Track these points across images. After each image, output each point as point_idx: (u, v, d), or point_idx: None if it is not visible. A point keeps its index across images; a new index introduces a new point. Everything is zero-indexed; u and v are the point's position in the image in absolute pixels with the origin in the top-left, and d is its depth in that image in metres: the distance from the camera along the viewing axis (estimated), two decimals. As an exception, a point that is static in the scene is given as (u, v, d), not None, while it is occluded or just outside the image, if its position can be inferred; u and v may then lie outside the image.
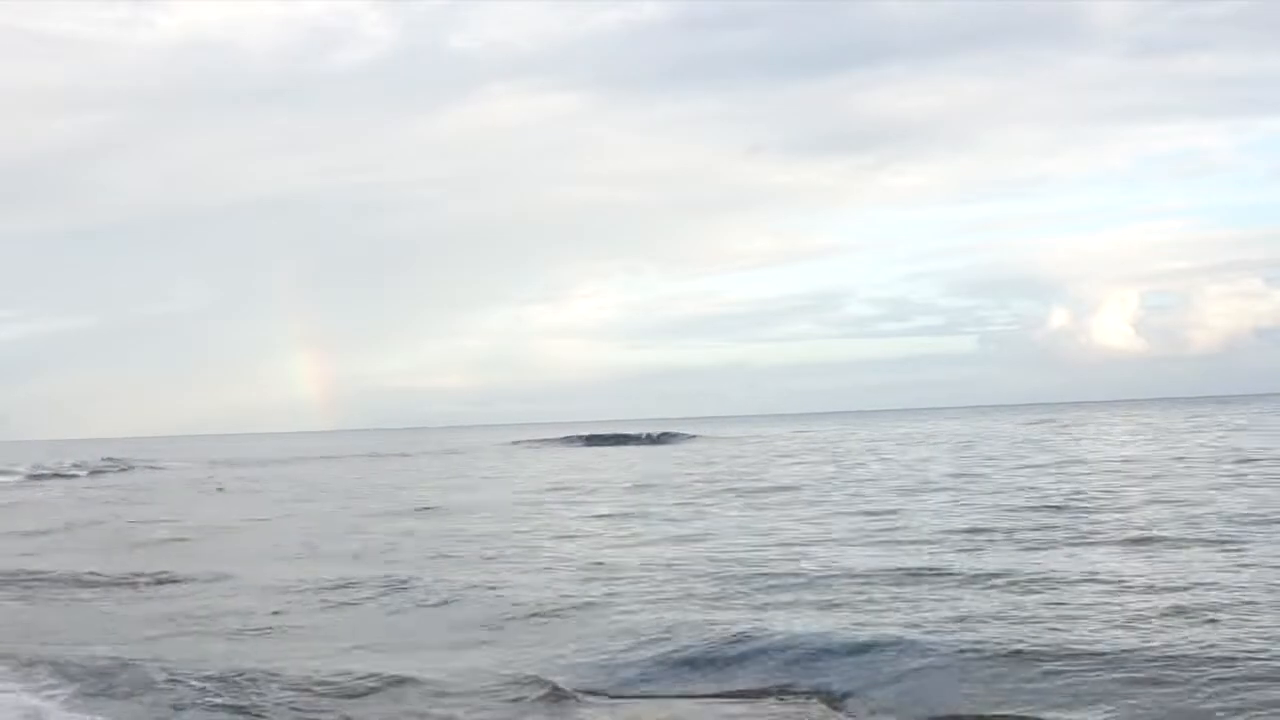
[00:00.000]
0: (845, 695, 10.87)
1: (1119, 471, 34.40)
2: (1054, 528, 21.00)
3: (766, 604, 14.92)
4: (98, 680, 12.39)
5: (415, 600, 16.70)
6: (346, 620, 15.65)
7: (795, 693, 11.13)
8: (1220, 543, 18.03)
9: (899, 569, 16.85)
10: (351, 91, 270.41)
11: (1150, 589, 14.49)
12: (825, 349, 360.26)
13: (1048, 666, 10.96)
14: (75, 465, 71.14)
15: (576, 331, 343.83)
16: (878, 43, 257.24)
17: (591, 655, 12.69)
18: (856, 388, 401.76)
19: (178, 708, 11.36)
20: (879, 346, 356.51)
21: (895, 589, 15.36)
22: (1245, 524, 20.10)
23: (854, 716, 10.45)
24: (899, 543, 20.26)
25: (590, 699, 11.18)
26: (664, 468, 50.76)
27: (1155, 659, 10.97)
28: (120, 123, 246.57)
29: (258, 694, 11.64)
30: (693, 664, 12.18)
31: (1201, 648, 11.25)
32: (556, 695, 11.14)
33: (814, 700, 10.88)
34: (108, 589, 19.16)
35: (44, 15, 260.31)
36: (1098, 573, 15.80)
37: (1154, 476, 31.35)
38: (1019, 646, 11.64)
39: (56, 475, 64.19)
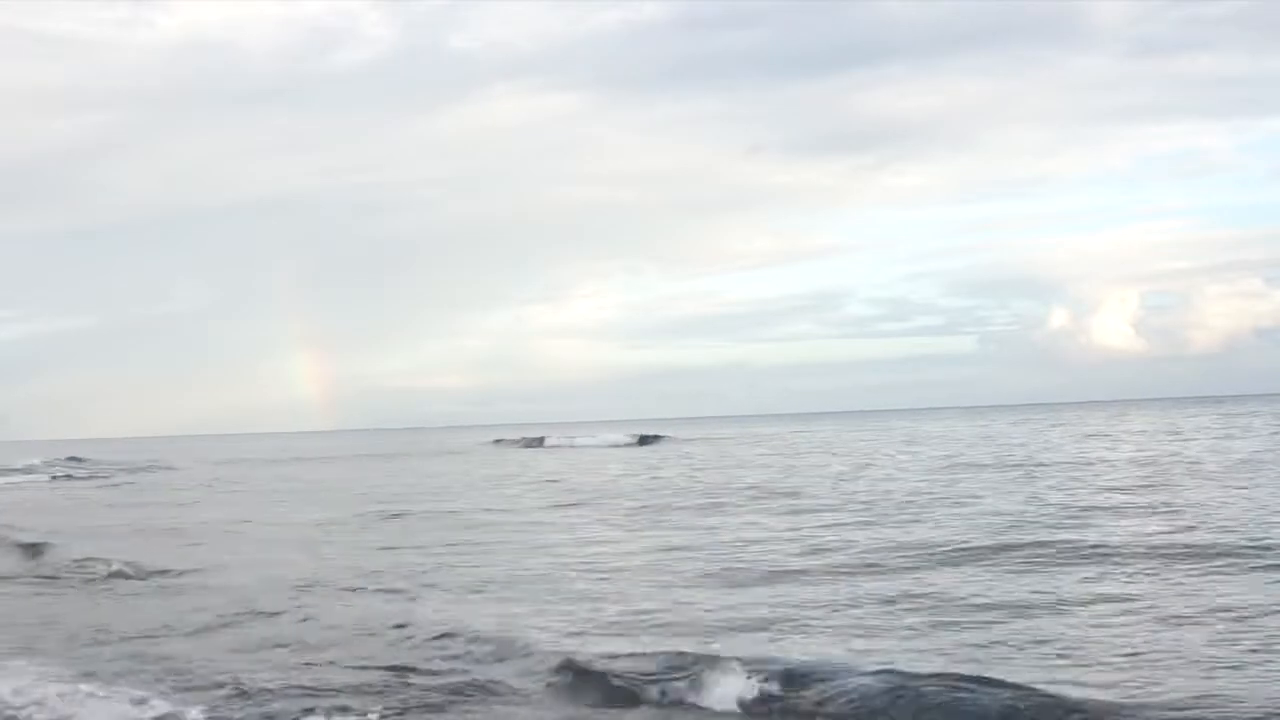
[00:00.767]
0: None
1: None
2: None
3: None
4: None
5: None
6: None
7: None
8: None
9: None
10: (351, 91, 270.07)
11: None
12: (825, 349, 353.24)
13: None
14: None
15: (576, 331, 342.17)
16: (878, 43, 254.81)
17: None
18: (856, 388, 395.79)
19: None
20: (879, 346, 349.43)
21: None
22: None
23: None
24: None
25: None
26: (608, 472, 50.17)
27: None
28: (120, 123, 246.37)
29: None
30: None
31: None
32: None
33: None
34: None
35: (44, 15, 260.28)
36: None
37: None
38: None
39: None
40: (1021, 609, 14.13)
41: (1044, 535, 20.21)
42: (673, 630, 13.62)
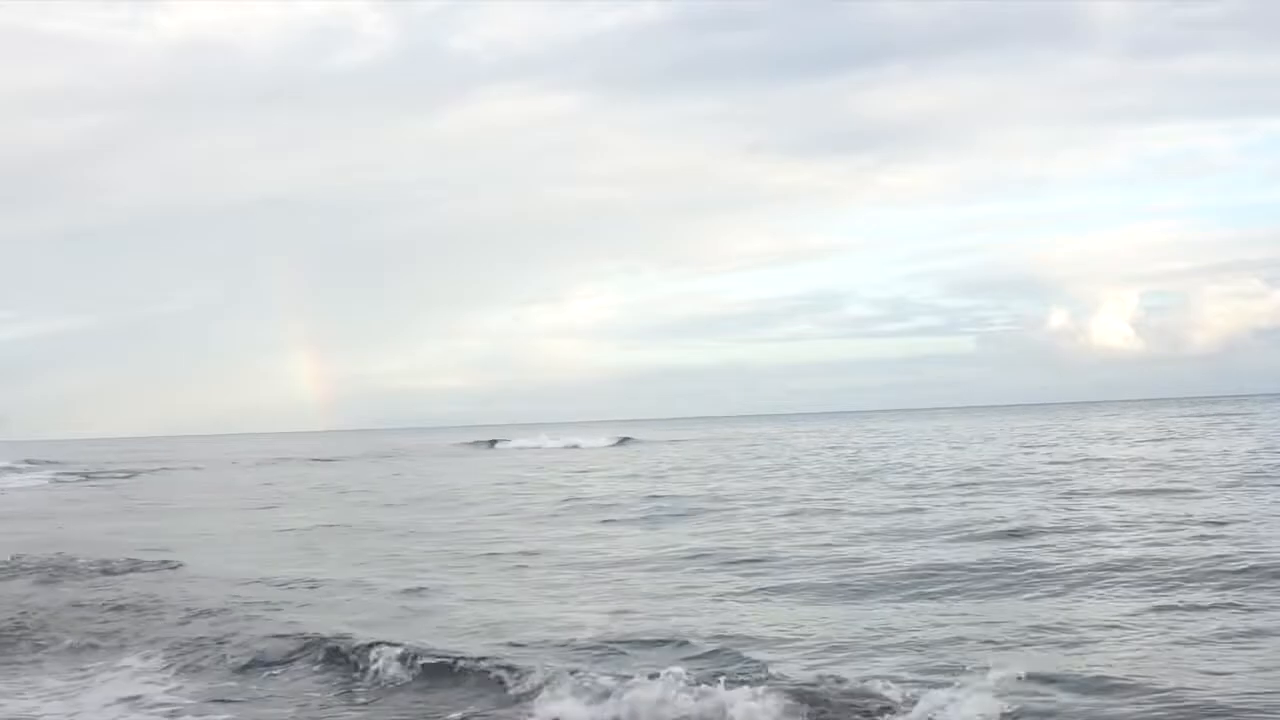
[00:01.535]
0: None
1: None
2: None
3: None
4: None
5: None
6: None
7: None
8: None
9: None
10: (351, 91, 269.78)
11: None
12: (825, 349, 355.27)
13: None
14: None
15: (576, 332, 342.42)
16: (878, 43, 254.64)
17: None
18: (856, 388, 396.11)
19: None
20: (879, 346, 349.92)
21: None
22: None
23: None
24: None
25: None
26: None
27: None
28: (120, 123, 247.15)
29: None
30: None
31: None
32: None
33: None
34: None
35: (44, 15, 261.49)
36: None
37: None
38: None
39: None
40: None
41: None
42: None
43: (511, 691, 10.92)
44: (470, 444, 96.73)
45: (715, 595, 15.73)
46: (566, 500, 32.91)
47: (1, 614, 15.76)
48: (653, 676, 10.43)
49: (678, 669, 10.59)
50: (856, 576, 16.60)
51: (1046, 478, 32.51)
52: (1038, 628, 12.73)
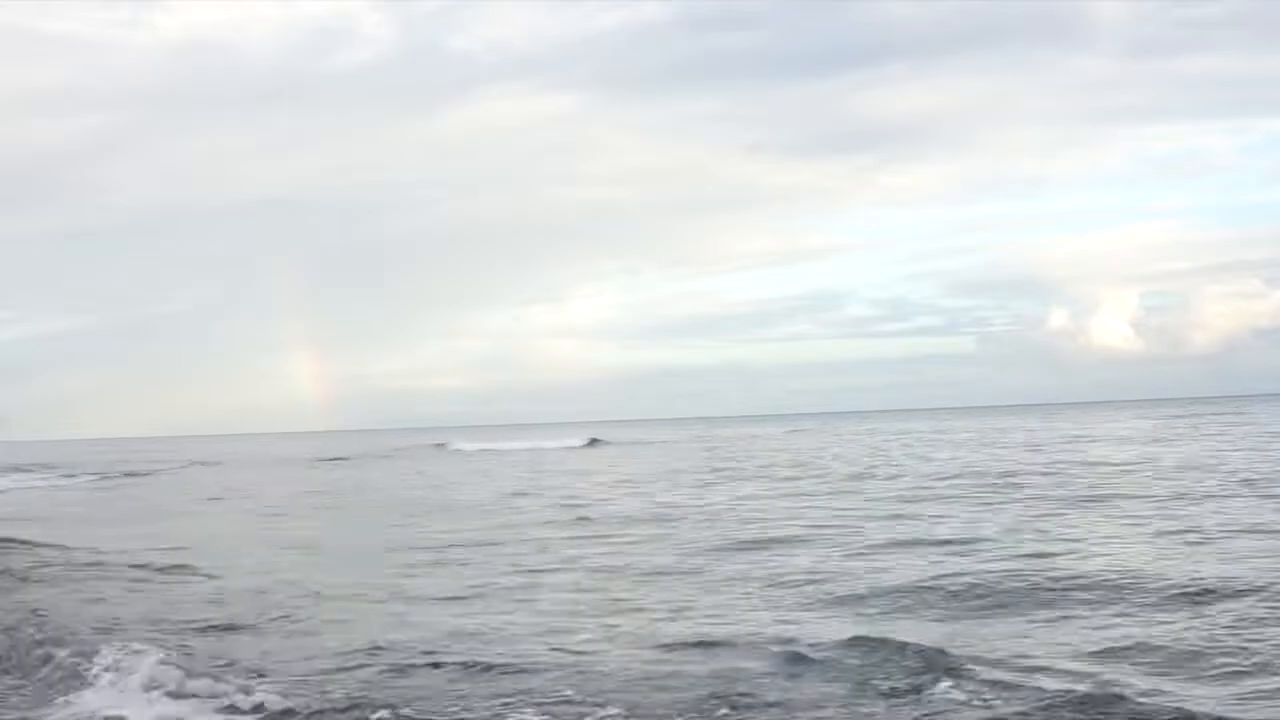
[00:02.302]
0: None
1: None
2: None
3: None
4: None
5: None
6: None
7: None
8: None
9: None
10: (351, 91, 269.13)
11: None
12: (825, 349, 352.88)
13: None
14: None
15: (576, 332, 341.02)
16: (877, 43, 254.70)
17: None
18: (856, 388, 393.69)
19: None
20: (879, 346, 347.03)
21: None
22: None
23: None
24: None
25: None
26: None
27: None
28: (120, 123, 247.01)
29: None
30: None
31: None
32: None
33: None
34: None
35: (44, 15, 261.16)
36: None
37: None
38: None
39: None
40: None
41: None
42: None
43: None
44: (433, 446, 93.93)
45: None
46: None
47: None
48: None
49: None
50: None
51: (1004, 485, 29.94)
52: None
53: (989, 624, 12.43)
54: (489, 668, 10.77)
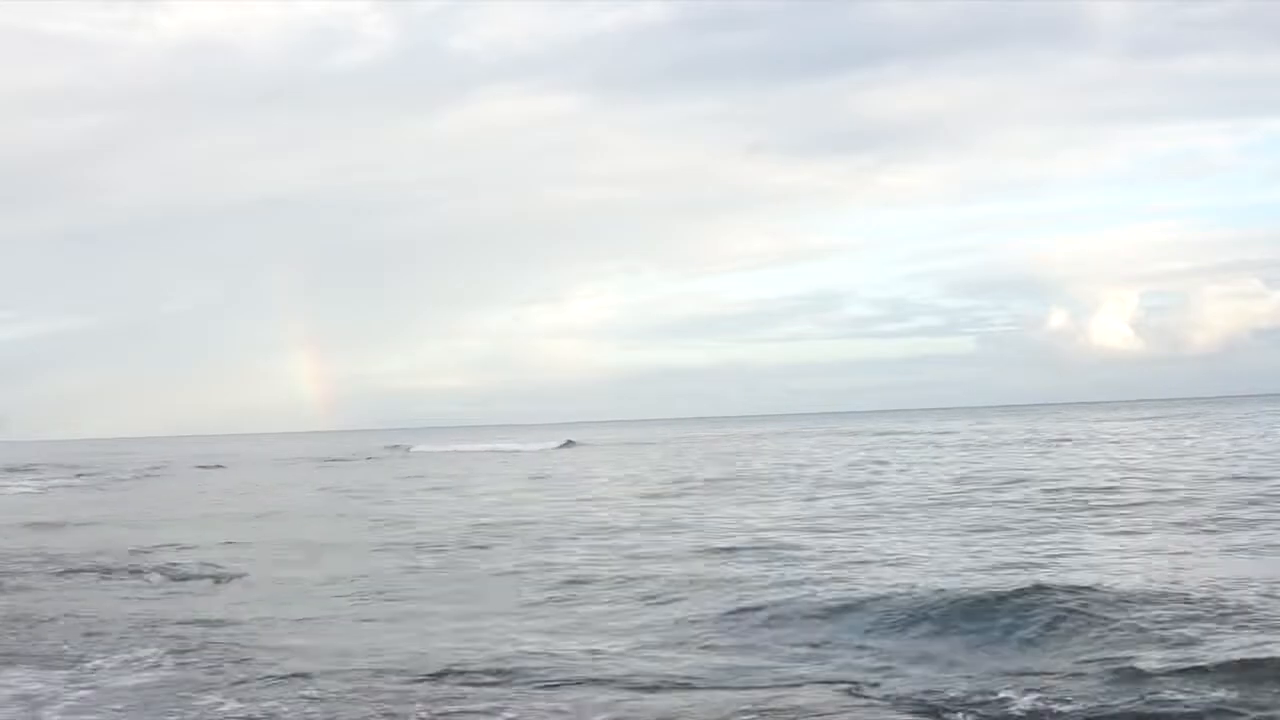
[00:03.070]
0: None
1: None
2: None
3: None
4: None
5: None
6: None
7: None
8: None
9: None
10: (351, 91, 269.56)
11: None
12: (825, 349, 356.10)
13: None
14: None
15: (576, 332, 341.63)
16: (877, 43, 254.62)
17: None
18: (856, 388, 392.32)
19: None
20: (878, 347, 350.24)
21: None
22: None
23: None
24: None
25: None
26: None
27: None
28: (120, 123, 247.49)
29: None
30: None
31: None
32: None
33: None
34: None
35: (44, 15, 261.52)
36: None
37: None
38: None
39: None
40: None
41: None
42: None
43: None
44: (391, 447, 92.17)
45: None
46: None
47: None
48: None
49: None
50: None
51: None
52: None
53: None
54: None
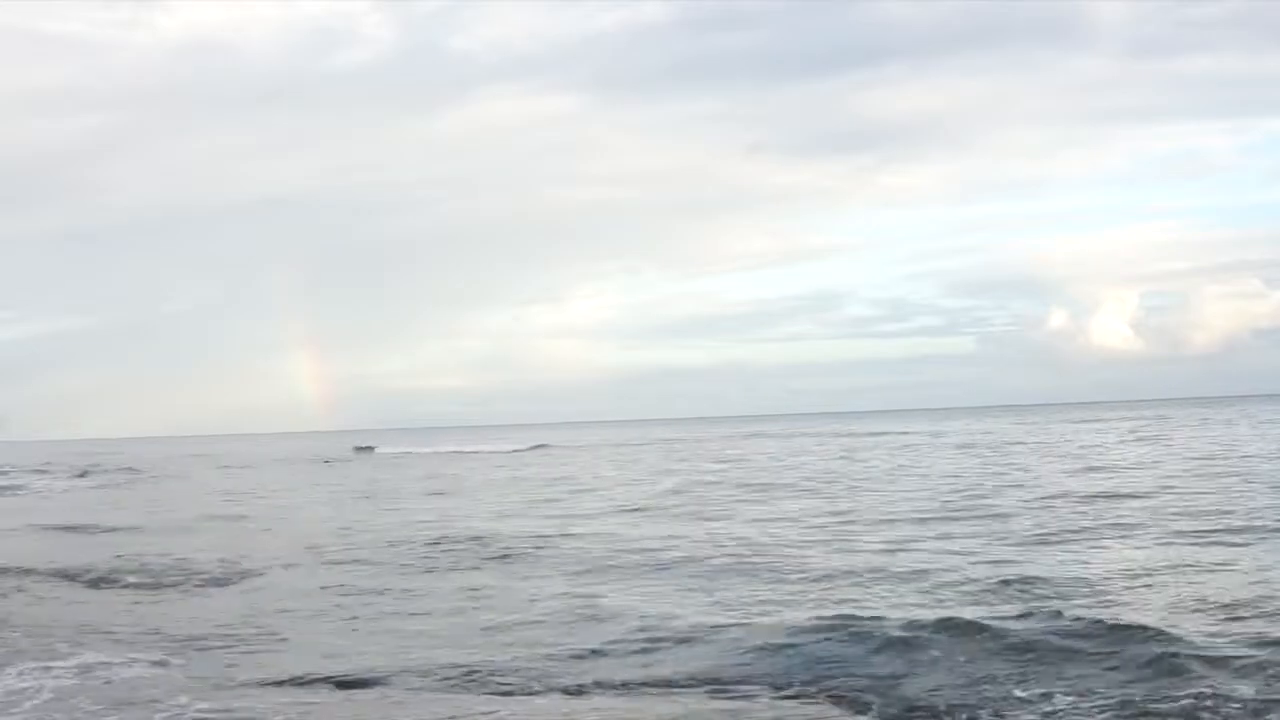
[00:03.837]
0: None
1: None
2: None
3: None
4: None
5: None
6: None
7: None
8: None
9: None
10: (351, 91, 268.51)
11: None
12: (825, 349, 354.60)
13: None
14: None
15: (576, 332, 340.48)
16: (877, 43, 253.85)
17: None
18: (856, 388, 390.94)
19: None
20: (878, 347, 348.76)
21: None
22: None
23: None
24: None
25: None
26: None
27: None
28: (120, 123, 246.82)
29: None
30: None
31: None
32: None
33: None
34: None
35: (44, 15, 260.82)
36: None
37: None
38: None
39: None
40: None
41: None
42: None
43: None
44: (360, 448, 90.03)
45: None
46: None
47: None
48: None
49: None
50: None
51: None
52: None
53: None
54: None
